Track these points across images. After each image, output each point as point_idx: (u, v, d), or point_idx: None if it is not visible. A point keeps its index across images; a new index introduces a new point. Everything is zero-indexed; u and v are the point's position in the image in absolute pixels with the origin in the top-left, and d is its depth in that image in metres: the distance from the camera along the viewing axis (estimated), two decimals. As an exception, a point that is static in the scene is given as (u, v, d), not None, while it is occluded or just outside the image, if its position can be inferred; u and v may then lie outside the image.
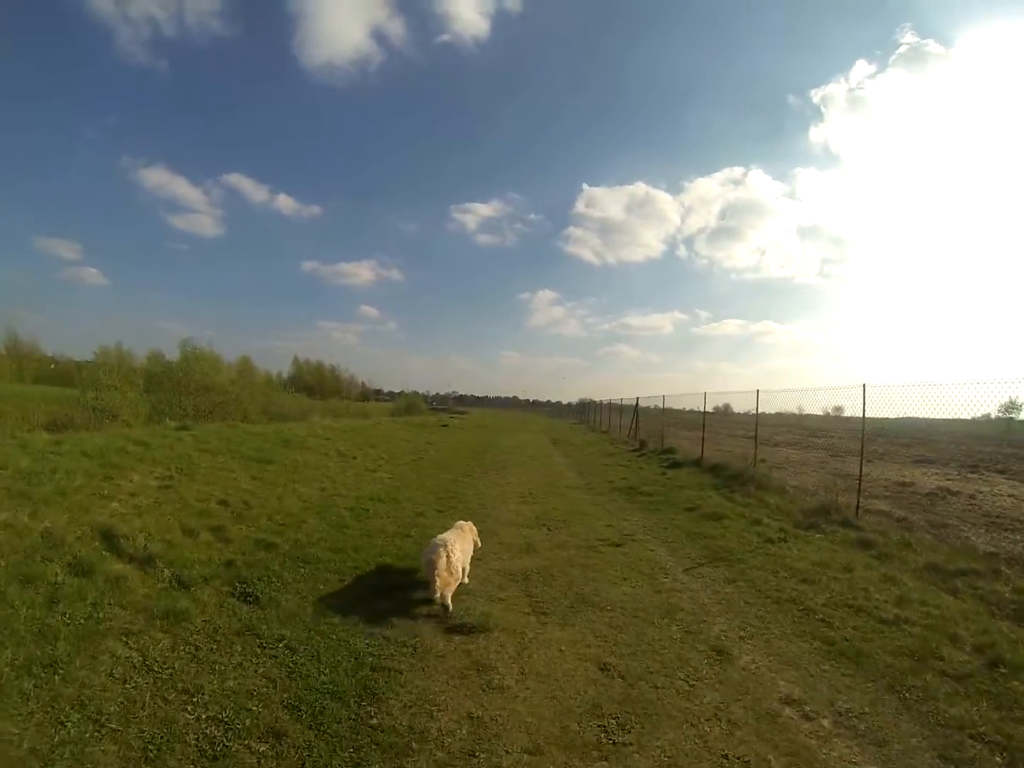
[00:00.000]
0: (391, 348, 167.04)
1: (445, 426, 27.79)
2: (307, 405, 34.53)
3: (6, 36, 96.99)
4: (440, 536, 5.20)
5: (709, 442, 16.86)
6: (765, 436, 25.08)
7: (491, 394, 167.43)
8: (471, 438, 23.77)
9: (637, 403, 25.31)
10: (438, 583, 4.71)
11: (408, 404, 60.41)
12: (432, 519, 8.03)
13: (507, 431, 32.38)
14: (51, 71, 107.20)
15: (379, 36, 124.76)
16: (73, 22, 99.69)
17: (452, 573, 4.88)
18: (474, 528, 6.05)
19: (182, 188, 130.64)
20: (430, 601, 4.81)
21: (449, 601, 4.78)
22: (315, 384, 74.93)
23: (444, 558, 4.81)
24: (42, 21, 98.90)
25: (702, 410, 20.71)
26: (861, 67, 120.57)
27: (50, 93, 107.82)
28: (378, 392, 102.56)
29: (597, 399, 52.61)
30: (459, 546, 5.19)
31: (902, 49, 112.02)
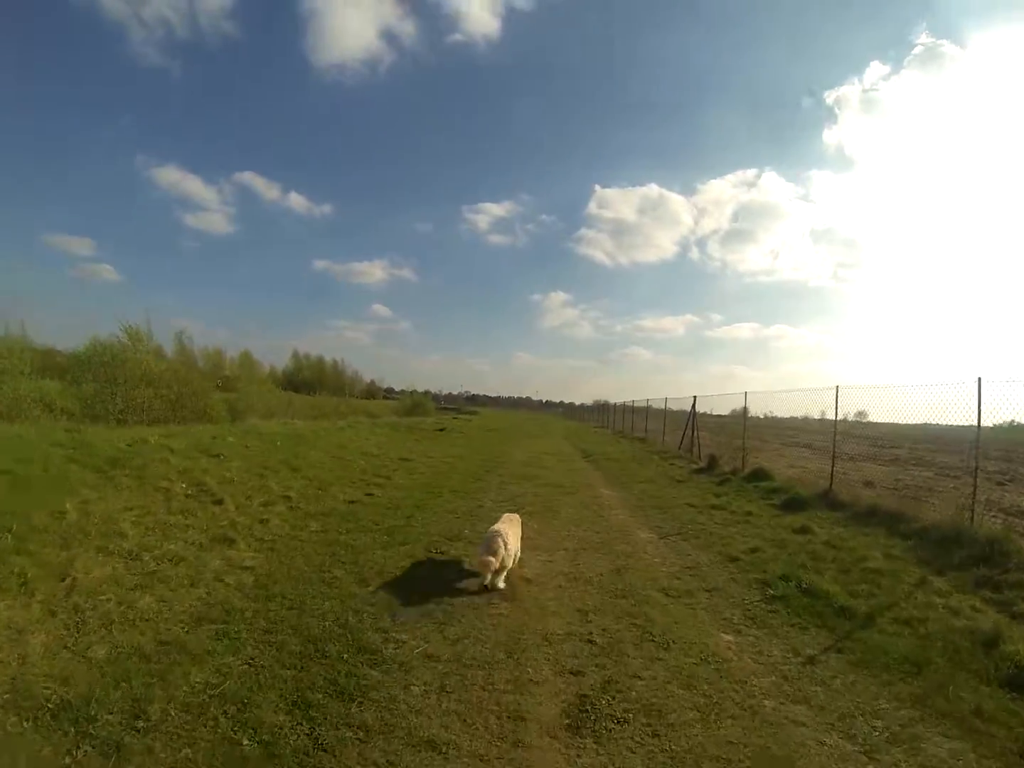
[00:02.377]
0: (404, 347, 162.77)
1: (442, 430, 21.16)
2: (283, 401, 28.28)
3: (21, 37, 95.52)
4: (494, 527, 5.04)
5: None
6: (820, 445, 18.49)
7: (504, 394, 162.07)
8: (472, 449, 17.06)
9: (695, 405, 18.52)
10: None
11: (414, 403, 54.75)
12: None
13: (521, 436, 25.71)
14: (65, 71, 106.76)
15: (389, 36, 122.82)
16: (86, 23, 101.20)
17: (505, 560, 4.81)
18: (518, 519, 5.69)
19: (195, 186, 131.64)
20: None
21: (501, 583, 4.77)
22: (314, 380, 69.60)
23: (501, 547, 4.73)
24: (55, 22, 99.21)
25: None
26: (875, 68, 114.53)
27: (65, 93, 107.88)
28: (389, 391, 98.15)
29: (612, 401, 47.71)
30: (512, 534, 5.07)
31: (917, 50, 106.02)
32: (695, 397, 18.41)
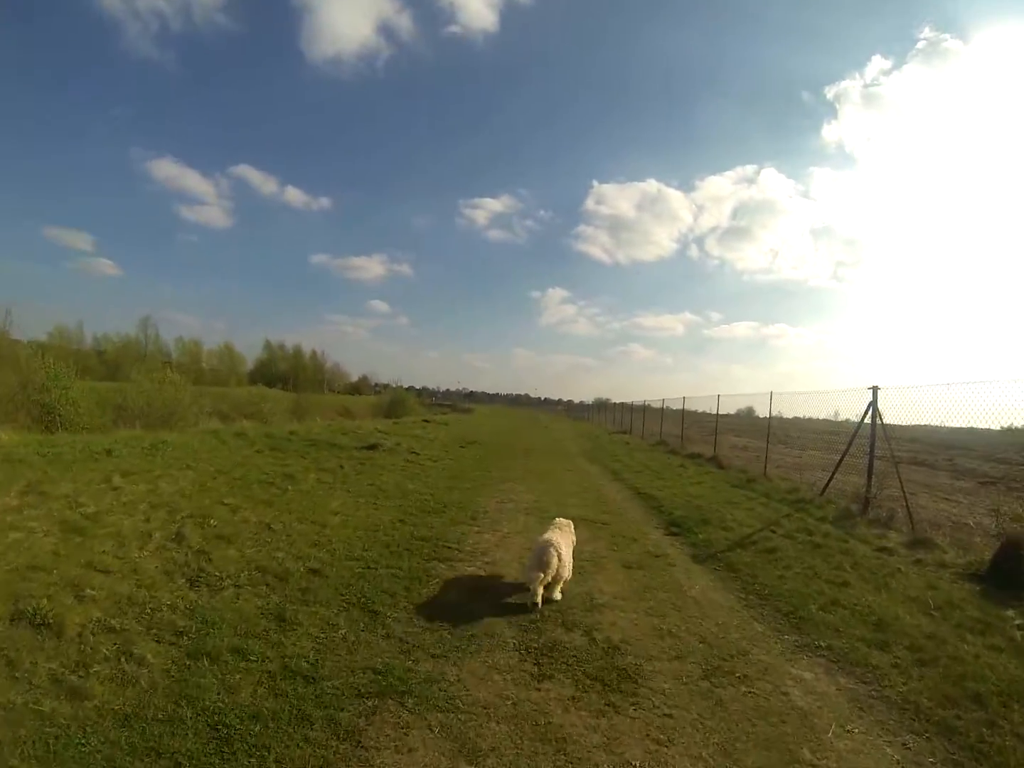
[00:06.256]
0: (403, 343, 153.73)
1: (372, 448, 11.36)
2: (186, 398, 17.94)
3: (15, 31, 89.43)
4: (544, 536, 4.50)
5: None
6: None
7: (502, 391, 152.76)
8: (396, 509, 7.37)
9: (876, 407, 8.69)
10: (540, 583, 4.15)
11: (393, 399, 46.00)
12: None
13: (517, 455, 15.84)
14: (60, 64, 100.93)
15: (387, 30, 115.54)
16: (82, 16, 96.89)
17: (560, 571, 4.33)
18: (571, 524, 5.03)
19: (192, 180, 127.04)
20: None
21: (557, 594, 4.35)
22: (289, 372, 60.71)
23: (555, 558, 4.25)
24: (51, 15, 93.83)
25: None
26: (877, 63, 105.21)
27: (59, 85, 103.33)
28: (385, 387, 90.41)
29: (613, 399, 42.78)
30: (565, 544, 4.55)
31: (920, 44, 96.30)
32: (874, 389, 8.54)
